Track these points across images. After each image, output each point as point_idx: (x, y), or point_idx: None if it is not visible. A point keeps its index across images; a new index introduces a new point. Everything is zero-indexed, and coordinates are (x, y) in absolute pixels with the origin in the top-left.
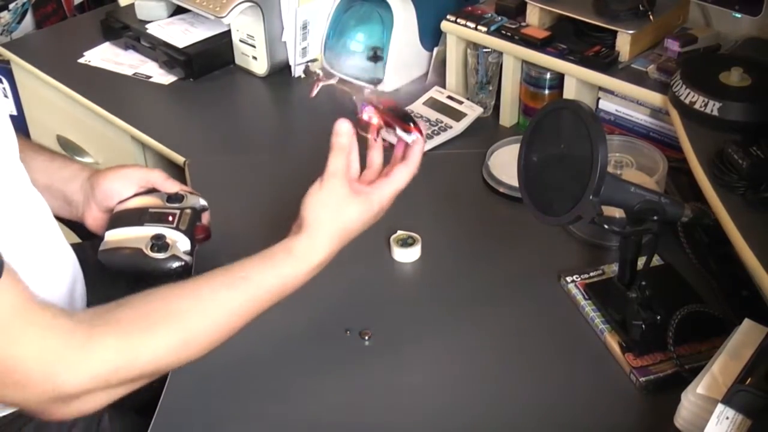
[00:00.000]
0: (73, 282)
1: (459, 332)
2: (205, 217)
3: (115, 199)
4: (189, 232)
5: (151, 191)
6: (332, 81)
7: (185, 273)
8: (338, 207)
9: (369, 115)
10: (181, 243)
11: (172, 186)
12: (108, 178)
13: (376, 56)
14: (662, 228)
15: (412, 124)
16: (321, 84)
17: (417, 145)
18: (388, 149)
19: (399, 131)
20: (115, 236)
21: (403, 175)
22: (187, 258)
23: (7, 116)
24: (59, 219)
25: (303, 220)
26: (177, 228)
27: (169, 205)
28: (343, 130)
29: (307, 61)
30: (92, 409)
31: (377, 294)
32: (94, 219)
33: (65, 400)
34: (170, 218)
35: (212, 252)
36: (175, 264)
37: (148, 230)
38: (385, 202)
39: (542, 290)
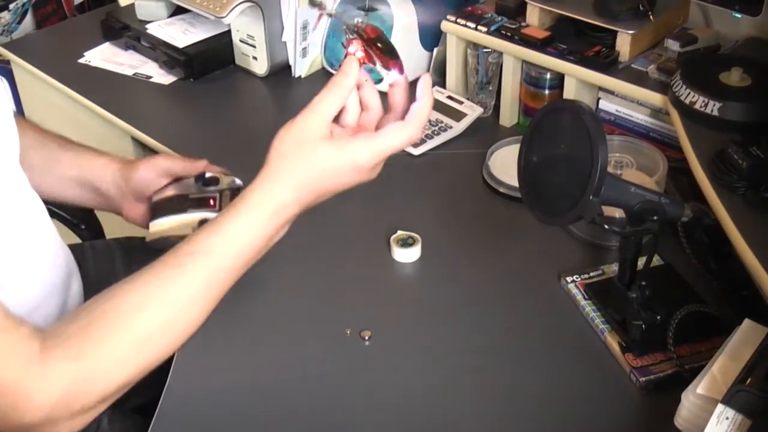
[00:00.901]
0: (68, 279)
1: (459, 332)
2: None
3: (151, 189)
4: None
5: (184, 178)
6: (334, 12)
7: None
8: (307, 144)
9: (355, 49)
10: None
11: (200, 165)
12: (140, 169)
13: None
14: (662, 228)
15: (394, 60)
16: (325, 14)
17: (422, 107)
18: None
19: (379, 66)
20: (161, 226)
21: (399, 135)
22: None
23: (11, 118)
24: (83, 211)
25: (265, 163)
26: (220, 210)
27: (206, 189)
28: (351, 70)
29: None
30: None
31: (377, 294)
32: (131, 210)
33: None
34: (211, 202)
35: None
36: None
37: (193, 216)
38: (376, 158)
39: (542, 290)
